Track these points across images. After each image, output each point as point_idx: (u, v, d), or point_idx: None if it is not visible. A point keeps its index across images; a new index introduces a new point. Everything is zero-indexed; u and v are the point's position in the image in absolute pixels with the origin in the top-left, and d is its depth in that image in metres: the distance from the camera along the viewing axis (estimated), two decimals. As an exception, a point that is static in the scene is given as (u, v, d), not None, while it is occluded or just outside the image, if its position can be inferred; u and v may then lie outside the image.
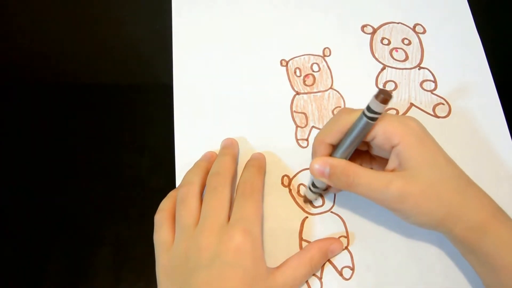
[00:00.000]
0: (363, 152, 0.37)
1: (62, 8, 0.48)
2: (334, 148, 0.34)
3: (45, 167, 0.41)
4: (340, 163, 0.33)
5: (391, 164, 0.33)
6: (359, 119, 0.31)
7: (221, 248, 0.31)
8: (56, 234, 0.39)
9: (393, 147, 0.32)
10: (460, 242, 0.32)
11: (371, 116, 0.30)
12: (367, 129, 0.32)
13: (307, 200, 0.39)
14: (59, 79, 0.45)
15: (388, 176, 0.32)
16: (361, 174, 0.32)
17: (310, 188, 0.37)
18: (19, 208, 0.40)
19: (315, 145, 0.35)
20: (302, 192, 0.39)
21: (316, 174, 0.33)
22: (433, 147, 0.32)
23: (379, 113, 0.30)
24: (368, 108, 0.30)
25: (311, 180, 0.37)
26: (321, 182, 0.35)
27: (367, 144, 0.35)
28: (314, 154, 0.35)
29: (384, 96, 0.29)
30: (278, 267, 0.34)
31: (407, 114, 0.42)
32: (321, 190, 0.37)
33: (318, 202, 0.39)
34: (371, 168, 0.36)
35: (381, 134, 0.32)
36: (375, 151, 0.35)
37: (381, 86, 0.43)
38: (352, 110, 0.33)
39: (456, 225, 0.31)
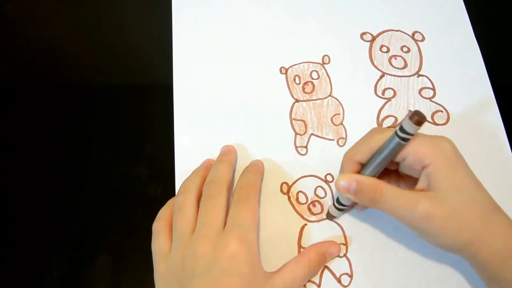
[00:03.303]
0: (391, 171, 0.37)
1: (62, 11, 0.49)
2: (362, 166, 0.34)
3: (42, 174, 0.42)
4: (368, 180, 0.33)
5: (420, 184, 0.33)
6: (391, 138, 0.32)
7: (217, 255, 0.32)
8: (54, 242, 0.39)
9: (424, 167, 0.32)
10: (483, 268, 0.32)
11: (403, 136, 0.31)
12: (398, 149, 0.32)
13: (330, 216, 0.39)
14: (59, 83, 0.45)
15: (416, 196, 0.31)
16: (388, 191, 0.32)
17: (334, 205, 0.37)
18: (17, 215, 0.40)
19: (344, 162, 0.35)
20: (301, 200, 0.40)
21: (342, 191, 0.34)
22: (463, 171, 0.32)
23: (412, 134, 0.30)
24: (401, 129, 0.30)
25: (336, 197, 0.37)
26: (346, 199, 0.36)
27: (396, 163, 0.35)
28: (341, 171, 0.36)
29: (418, 118, 0.29)
30: (276, 271, 0.35)
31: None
32: (345, 207, 0.37)
33: (317, 209, 0.39)
34: (398, 187, 0.36)
35: (412, 154, 0.32)
36: (404, 170, 0.35)
37: (380, 94, 0.44)
38: (384, 130, 0.33)
39: (480, 250, 0.31)
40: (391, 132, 0.32)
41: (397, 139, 0.31)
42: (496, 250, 0.31)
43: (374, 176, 0.33)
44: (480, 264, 0.32)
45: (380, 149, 0.33)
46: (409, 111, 0.42)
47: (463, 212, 0.31)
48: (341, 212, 0.38)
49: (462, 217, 0.31)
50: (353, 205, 0.38)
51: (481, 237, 0.31)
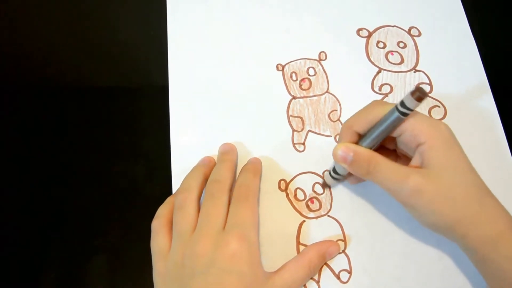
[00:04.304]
0: (389, 150, 0.37)
1: (57, 11, 0.48)
2: (360, 137, 0.35)
3: (38, 173, 0.41)
4: (364, 151, 0.33)
5: (414, 162, 0.33)
6: (391, 112, 0.32)
7: (217, 254, 0.32)
8: (51, 242, 0.39)
9: (418, 145, 0.32)
10: (473, 251, 0.32)
11: (403, 111, 0.31)
12: (396, 123, 0.32)
13: (326, 185, 0.39)
14: (54, 83, 0.45)
15: (408, 170, 0.32)
16: (382, 163, 0.32)
17: (330, 173, 0.38)
18: (13, 215, 0.40)
19: (342, 130, 0.35)
20: (299, 197, 0.40)
21: (339, 160, 0.34)
22: (458, 153, 0.32)
23: (411, 110, 0.31)
24: (402, 103, 0.31)
25: (333, 166, 0.37)
26: (342, 169, 0.36)
27: (395, 142, 0.35)
28: (340, 139, 0.36)
29: (419, 94, 0.29)
30: (276, 271, 0.34)
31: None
32: (340, 177, 0.37)
33: (316, 206, 0.39)
34: None
35: (409, 131, 0.32)
36: (401, 148, 0.35)
37: (377, 90, 0.44)
38: (385, 103, 0.34)
39: (470, 232, 0.31)
40: (391, 106, 0.32)
41: (396, 113, 0.31)
42: (486, 233, 0.31)
43: (371, 148, 0.34)
44: (470, 247, 0.32)
45: (379, 122, 0.33)
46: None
47: (454, 191, 0.31)
48: (336, 181, 0.39)
49: (452, 197, 0.31)
50: (347, 176, 0.38)
51: (471, 219, 0.31)
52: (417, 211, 0.32)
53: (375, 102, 0.35)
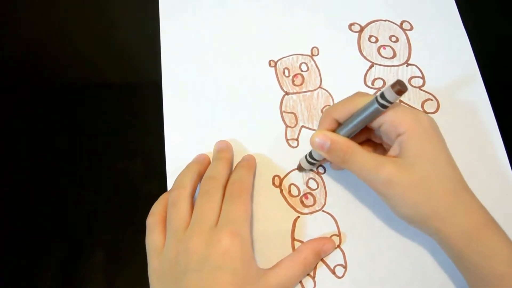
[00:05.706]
0: (376, 144, 0.37)
1: (52, 11, 0.48)
2: (339, 125, 0.35)
3: (34, 173, 0.41)
4: (341, 139, 0.33)
5: (392, 152, 0.33)
6: (370, 103, 0.32)
7: (210, 251, 0.31)
8: (48, 241, 0.39)
9: (398, 135, 0.32)
10: (449, 246, 0.32)
11: (382, 103, 0.31)
12: (375, 114, 0.32)
13: (302, 169, 0.39)
14: (49, 82, 0.45)
15: (383, 160, 0.32)
16: (357, 152, 0.32)
17: (306, 158, 0.38)
18: (10, 214, 0.40)
19: (322, 118, 0.36)
20: (293, 192, 0.39)
21: (316, 147, 0.34)
22: (437, 144, 0.32)
23: (391, 102, 0.31)
24: (382, 95, 0.31)
25: (309, 151, 0.38)
26: (319, 155, 0.36)
27: (380, 135, 0.35)
28: (319, 126, 0.36)
29: (400, 88, 0.29)
30: (271, 268, 0.34)
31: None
32: (316, 162, 0.38)
33: (310, 201, 0.39)
34: None
35: (389, 121, 0.32)
36: (384, 140, 0.35)
37: (369, 84, 0.44)
38: (367, 94, 0.34)
39: (445, 227, 0.31)
40: (372, 98, 0.32)
41: (376, 105, 0.31)
42: (461, 228, 0.31)
43: (348, 136, 0.34)
44: (445, 241, 0.32)
45: (358, 111, 0.33)
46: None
47: (428, 183, 0.31)
48: (311, 166, 0.39)
49: (426, 188, 0.31)
50: (323, 160, 0.39)
51: (445, 213, 0.31)
52: (391, 202, 0.32)
53: (357, 93, 0.35)
